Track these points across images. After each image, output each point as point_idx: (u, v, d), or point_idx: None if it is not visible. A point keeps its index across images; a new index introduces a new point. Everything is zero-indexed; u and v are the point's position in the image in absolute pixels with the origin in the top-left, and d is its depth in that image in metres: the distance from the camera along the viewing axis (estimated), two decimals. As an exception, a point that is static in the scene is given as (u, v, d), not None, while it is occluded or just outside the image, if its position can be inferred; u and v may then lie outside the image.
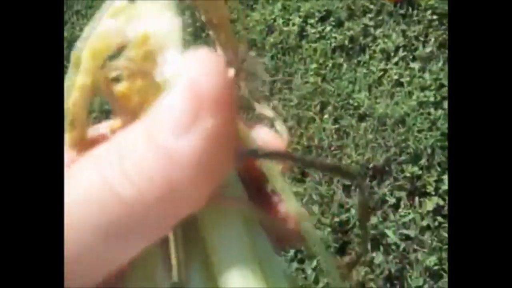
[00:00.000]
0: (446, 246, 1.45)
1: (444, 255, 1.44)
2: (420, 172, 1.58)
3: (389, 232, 1.49)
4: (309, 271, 1.46)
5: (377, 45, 1.83)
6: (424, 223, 1.50)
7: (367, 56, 1.83)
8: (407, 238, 1.49)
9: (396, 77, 1.75)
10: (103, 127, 0.23)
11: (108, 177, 0.18)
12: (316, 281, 1.46)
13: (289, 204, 0.24)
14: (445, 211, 1.52)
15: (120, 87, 0.22)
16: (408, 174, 1.58)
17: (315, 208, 1.57)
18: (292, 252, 1.48)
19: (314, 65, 1.83)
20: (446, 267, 1.43)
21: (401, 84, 1.75)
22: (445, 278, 1.41)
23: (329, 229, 1.52)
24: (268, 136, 0.26)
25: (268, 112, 0.27)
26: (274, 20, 1.97)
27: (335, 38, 1.88)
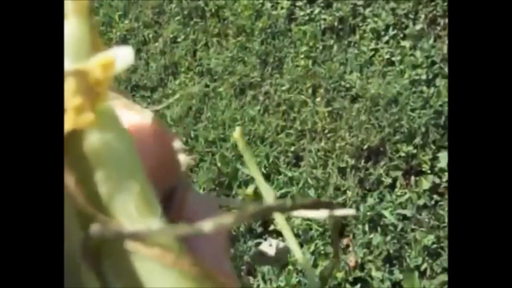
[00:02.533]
0: (444, 224, 1.45)
1: (442, 233, 1.43)
2: (415, 151, 1.57)
3: (386, 213, 1.49)
4: (308, 255, 1.46)
5: (367, 25, 1.81)
6: (421, 202, 1.49)
7: (357, 37, 1.81)
8: (404, 218, 1.49)
9: (387, 56, 1.74)
10: None
11: None
12: (315, 265, 1.46)
13: None
14: (442, 189, 1.52)
15: None
16: (403, 154, 1.57)
17: (311, 192, 1.56)
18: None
19: (304, 48, 1.82)
20: (444, 245, 1.42)
21: (392, 63, 1.73)
22: (444, 256, 1.41)
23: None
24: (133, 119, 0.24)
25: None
26: (262, 4, 1.95)
27: (324, 19, 1.86)
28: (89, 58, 0.22)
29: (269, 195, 0.27)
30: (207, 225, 0.20)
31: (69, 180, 0.20)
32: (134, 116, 0.24)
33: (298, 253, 0.26)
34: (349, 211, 0.29)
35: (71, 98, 0.21)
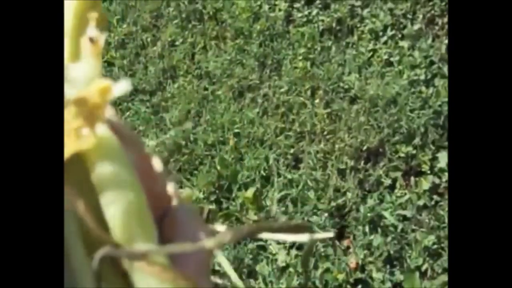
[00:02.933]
0: (444, 225, 1.44)
1: (443, 233, 1.43)
2: (414, 151, 1.57)
3: (386, 214, 1.48)
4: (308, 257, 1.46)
5: (365, 26, 1.81)
6: (421, 202, 1.49)
7: (355, 37, 1.81)
8: (404, 218, 1.48)
9: (385, 57, 1.73)
10: None
11: None
12: (316, 267, 1.46)
13: None
14: (441, 189, 1.51)
15: None
16: (402, 154, 1.57)
17: (311, 194, 1.56)
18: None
19: (302, 50, 1.82)
20: (445, 245, 1.42)
21: (391, 64, 1.73)
22: (445, 257, 1.40)
23: (326, 214, 1.52)
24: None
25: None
26: (260, 6, 1.95)
27: (322, 21, 1.86)
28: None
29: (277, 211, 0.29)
30: (208, 242, 0.21)
31: (79, 205, 0.20)
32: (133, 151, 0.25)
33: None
34: (327, 234, 0.30)
35: (72, 121, 0.21)
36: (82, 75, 0.24)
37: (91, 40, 0.24)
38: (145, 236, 0.23)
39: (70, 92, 0.23)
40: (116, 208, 0.22)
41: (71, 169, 0.21)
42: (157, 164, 0.26)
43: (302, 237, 0.25)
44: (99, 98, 0.22)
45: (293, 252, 1.47)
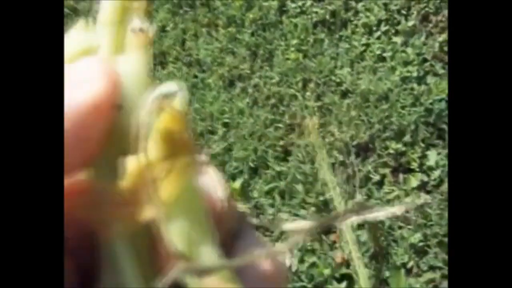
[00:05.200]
0: (431, 223, 1.45)
1: (429, 231, 1.43)
2: (404, 148, 1.57)
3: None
4: (295, 251, 1.45)
5: (359, 19, 1.80)
6: (409, 199, 1.49)
7: (349, 31, 1.80)
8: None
9: (378, 52, 1.73)
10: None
11: None
12: (302, 261, 1.46)
13: None
14: (430, 187, 1.51)
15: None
16: (392, 151, 1.57)
17: (299, 187, 1.55)
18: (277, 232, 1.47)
19: (295, 41, 1.80)
20: (430, 243, 1.42)
21: (383, 59, 1.72)
22: (430, 255, 1.41)
23: (313, 208, 1.51)
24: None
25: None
26: (253, -5, 1.93)
27: (316, 12, 1.84)
28: (142, 94, 0.22)
29: (339, 201, 0.28)
30: (281, 247, 0.21)
31: (164, 228, 0.20)
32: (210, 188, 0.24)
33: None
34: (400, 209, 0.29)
35: (161, 164, 0.21)
36: (130, 68, 0.22)
37: (141, 30, 0.23)
38: (207, 250, 0.22)
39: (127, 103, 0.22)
40: (187, 233, 0.21)
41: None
42: (213, 172, 0.24)
43: (381, 214, 0.25)
44: (174, 126, 0.21)
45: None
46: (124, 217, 0.21)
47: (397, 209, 0.25)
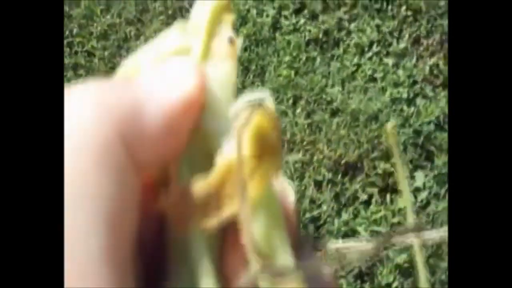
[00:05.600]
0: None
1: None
2: (392, 169, 1.58)
3: (360, 229, 1.49)
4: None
5: (351, 39, 1.82)
6: (395, 220, 1.50)
7: (341, 50, 1.81)
8: (378, 235, 1.49)
9: (369, 72, 1.74)
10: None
11: None
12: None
13: None
14: (416, 208, 1.52)
15: None
16: (380, 171, 1.58)
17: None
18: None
19: (287, 58, 1.81)
20: (416, 264, 1.43)
21: (374, 80, 1.74)
22: (415, 277, 1.41)
23: (300, 225, 1.51)
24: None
25: None
26: (248, 11, 1.94)
27: (309, 31, 1.85)
28: (229, 100, 0.23)
29: (409, 204, 0.29)
30: (353, 253, 0.23)
31: (246, 226, 0.21)
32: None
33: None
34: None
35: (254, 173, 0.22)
36: (219, 75, 0.23)
37: (231, 40, 0.24)
38: (284, 252, 0.23)
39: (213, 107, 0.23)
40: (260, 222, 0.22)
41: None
42: (283, 178, 0.25)
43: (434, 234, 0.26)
44: (270, 131, 0.22)
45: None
46: (206, 214, 0.22)
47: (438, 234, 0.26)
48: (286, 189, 0.26)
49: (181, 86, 0.22)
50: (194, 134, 0.23)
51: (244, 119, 0.22)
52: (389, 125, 0.28)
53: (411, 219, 0.27)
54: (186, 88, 0.22)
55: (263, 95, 0.23)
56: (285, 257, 0.23)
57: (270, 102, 0.23)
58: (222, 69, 0.24)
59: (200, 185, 0.22)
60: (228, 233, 0.23)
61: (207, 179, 0.22)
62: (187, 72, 0.22)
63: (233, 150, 0.22)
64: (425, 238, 0.26)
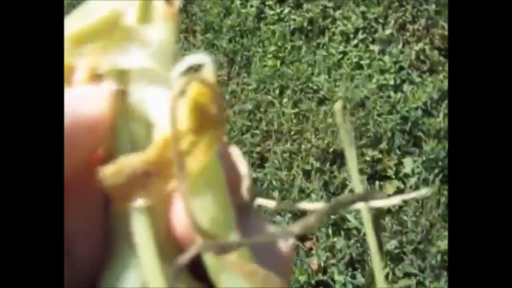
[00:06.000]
0: (406, 230, 1.45)
1: (405, 238, 1.43)
2: (380, 155, 1.57)
3: (349, 217, 1.48)
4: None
5: (336, 27, 1.81)
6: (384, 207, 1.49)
7: (326, 39, 1.80)
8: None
9: (355, 59, 1.73)
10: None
11: None
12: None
13: None
14: (405, 194, 1.52)
15: None
16: (368, 158, 1.57)
17: (275, 194, 1.54)
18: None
19: (272, 48, 1.80)
20: (406, 250, 1.42)
21: (360, 67, 1.73)
22: (406, 261, 1.40)
23: (289, 215, 1.50)
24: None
25: None
26: (232, 1, 1.92)
27: (294, 20, 1.84)
28: (172, 64, 0.22)
29: (358, 182, 0.28)
30: (295, 228, 0.20)
31: (187, 202, 0.20)
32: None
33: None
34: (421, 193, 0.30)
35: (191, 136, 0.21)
36: (157, 38, 0.22)
37: (168, 0, 0.23)
38: (228, 226, 0.22)
39: (141, 59, 0.22)
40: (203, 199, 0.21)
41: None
42: (234, 147, 0.25)
43: (392, 201, 0.25)
44: (204, 99, 0.21)
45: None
46: (147, 189, 0.21)
47: (396, 199, 0.26)
48: (236, 158, 0.25)
49: (85, 109, 0.21)
50: (129, 107, 0.22)
51: (178, 90, 0.21)
52: (337, 105, 0.27)
53: (359, 188, 0.26)
54: (90, 112, 0.21)
55: (202, 59, 0.22)
56: (228, 233, 0.22)
57: (210, 68, 0.22)
58: (160, 32, 0.23)
59: (137, 160, 0.21)
60: (172, 208, 0.22)
61: (143, 154, 0.21)
62: (95, 97, 0.22)
63: (168, 125, 0.21)
64: (373, 205, 0.25)
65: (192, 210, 0.20)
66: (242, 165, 0.25)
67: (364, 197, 0.23)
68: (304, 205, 0.26)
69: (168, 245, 0.22)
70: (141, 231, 0.21)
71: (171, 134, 0.20)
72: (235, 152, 0.25)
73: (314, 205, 0.27)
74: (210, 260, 0.21)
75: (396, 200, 0.26)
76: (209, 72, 0.22)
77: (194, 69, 0.22)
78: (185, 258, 0.20)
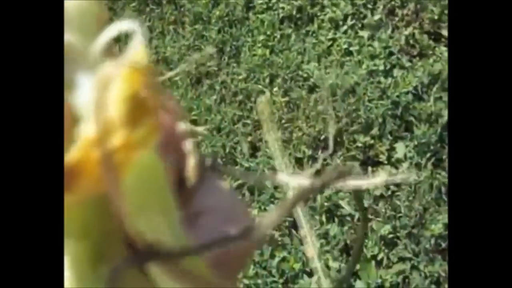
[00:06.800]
0: (400, 215, 1.45)
1: (398, 223, 1.43)
2: (372, 141, 1.57)
3: (343, 203, 1.48)
4: (264, 246, 1.44)
5: (325, 14, 1.80)
6: (378, 192, 1.49)
7: (315, 26, 1.79)
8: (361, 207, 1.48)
9: (345, 46, 1.73)
10: None
11: None
12: (272, 255, 1.44)
13: None
14: (398, 179, 1.52)
15: None
16: (360, 144, 1.57)
17: (268, 183, 1.53)
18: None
19: (261, 37, 1.79)
20: (400, 235, 1.42)
21: (350, 53, 1.72)
22: (400, 246, 1.41)
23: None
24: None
25: None
26: (220, -9, 1.91)
27: (283, 8, 1.83)
28: (94, 32, 0.20)
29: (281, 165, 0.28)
30: (269, 215, 0.19)
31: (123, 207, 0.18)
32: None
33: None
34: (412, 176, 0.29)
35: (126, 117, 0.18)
36: (73, 11, 0.20)
37: None
38: (162, 206, 0.19)
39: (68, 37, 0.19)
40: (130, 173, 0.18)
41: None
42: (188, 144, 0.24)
43: (375, 181, 0.24)
44: (138, 79, 0.18)
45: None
46: (74, 191, 0.18)
47: (379, 181, 0.25)
48: (187, 156, 0.24)
49: None
50: None
51: (105, 77, 0.18)
52: (263, 98, 0.26)
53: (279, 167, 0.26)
54: None
55: (129, 27, 0.19)
56: (172, 238, 0.19)
57: (139, 40, 0.19)
58: (83, 5, 0.21)
59: (66, 160, 0.18)
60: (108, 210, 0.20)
61: (68, 155, 0.18)
62: None
63: (94, 118, 0.18)
64: (355, 184, 0.25)
65: (129, 216, 0.18)
66: (187, 144, 0.24)
67: (343, 174, 0.22)
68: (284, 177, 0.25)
69: (107, 249, 0.19)
70: (75, 233, 0.19)
71: (96, 129, 0.17)
72: (180, 131, 0.24)
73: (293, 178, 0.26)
74: (154, 268, 0.19)
75: (378, 180, 0.26)
76: (138, 46, 0.19)
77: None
78: (118, 267, 0.18)
